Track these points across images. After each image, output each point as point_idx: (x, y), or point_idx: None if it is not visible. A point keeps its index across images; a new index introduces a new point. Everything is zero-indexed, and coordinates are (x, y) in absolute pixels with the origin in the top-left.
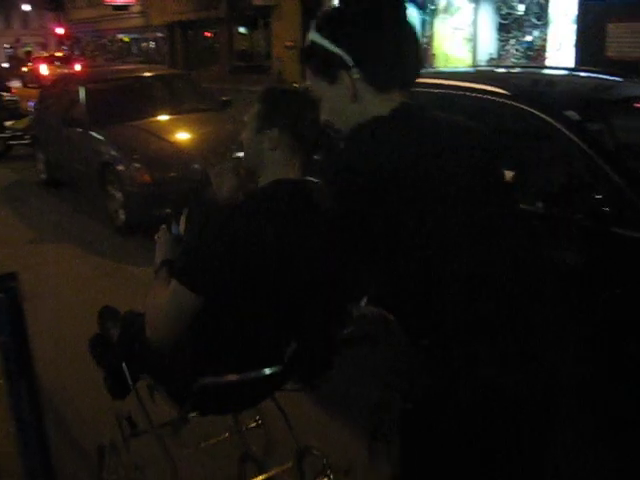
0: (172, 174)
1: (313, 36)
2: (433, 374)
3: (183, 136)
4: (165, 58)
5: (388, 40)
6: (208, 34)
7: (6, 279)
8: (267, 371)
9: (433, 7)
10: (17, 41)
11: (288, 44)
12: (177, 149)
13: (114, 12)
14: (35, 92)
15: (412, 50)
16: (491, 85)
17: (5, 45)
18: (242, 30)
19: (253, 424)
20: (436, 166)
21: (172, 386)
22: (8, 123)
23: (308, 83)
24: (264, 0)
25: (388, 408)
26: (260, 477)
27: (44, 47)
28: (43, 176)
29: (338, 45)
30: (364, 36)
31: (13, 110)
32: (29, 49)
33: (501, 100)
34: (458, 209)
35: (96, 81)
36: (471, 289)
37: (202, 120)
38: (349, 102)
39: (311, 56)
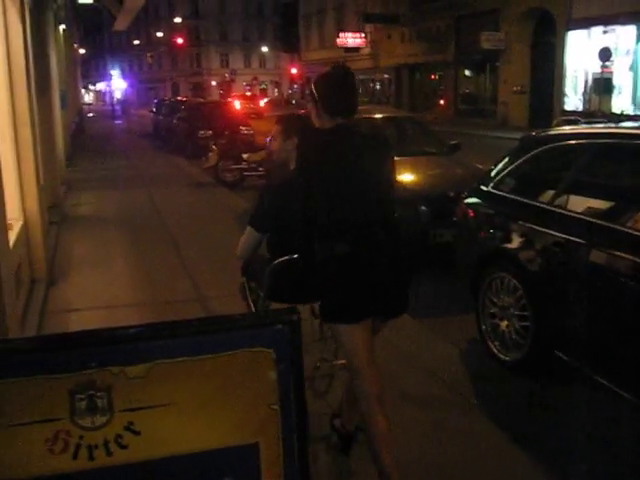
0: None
1: (312, 87)
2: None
3: (411, 178)
4: (390, 99)
5: (337, 95)
6: (434, 77)
7: (288, 313)
8: (295, 256)
9: None
10: (254, 79)
11: (516, 89)
12: (407, 190)
13: (345, 54)
14: (270, 127)
15: (351, 98)
16: None
17: (243, 83)
18: (467, 73)
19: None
20: (348, 154)
21: (258, 280)
22: (244, 155)
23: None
24: (493, 44)
25: None
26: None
27: (277, 85)
28: None
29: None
30: (328, 93)
31: (249, 143)
32: (264, 87)
33: None
34: (354, 172)
35: None
36: (341, 206)
37: (432, 163)
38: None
39: (312, 95)
